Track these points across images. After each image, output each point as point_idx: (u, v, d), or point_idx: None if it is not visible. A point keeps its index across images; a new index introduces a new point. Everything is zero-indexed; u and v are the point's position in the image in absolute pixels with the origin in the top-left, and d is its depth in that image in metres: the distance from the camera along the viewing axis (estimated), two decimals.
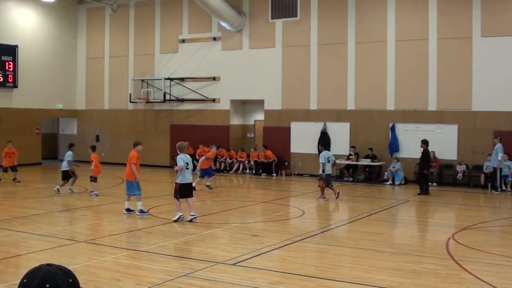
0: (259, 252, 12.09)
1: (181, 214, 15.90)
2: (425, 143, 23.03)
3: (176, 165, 16.03)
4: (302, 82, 29.38)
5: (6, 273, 10.84)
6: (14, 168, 25.67)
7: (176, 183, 16.10)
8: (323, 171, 20.62)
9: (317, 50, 29.06)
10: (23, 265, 11.28)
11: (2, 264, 11.41)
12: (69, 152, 22.25)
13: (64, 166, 22.07)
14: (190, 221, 15.83)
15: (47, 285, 2.02)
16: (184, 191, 15.96)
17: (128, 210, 17.21)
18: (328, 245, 13.19)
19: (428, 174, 23.37)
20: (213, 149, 24.94)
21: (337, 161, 27.86)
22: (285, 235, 14.24)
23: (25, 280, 2.08)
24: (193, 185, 20.14)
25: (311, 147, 28.90)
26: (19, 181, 25.37)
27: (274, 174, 29.74)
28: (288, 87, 29.83)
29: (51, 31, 35.66)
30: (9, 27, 33.11)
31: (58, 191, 21.66)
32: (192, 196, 16.49)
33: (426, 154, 23.01)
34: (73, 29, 37.08)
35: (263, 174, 29.87)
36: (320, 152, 21.59)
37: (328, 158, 20.79)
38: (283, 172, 29.87)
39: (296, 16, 29.72)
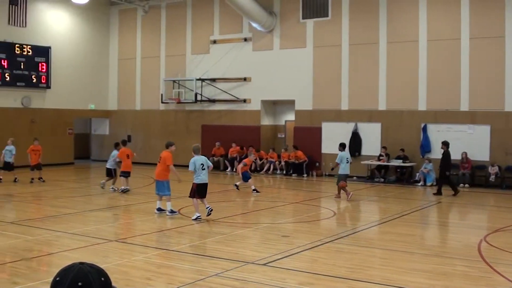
0: (289, 253, 12.09)
1: (198, 214, 16.18)
2: (445, 144, 22.95)
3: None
4: (333, 82, 29.29)
5: (39, 271, 10.98)
6: (38, 167, 25.71)
7: (193, 183, 16.39)
8: (332, 169, 21.35)
9: (348, 50, 28.94)
10: (55, 264, 11.42)
11: (35, 262, 11.57)
12: (115, 151, 22.59)
13: (110, 164, 22.59)
14: (208, 215, 16.26)
15: (80, 283, 2.05)
16: (200, 191, 16.32)
17: (160, 209, 17.36)
18: (359, 246, 13.13)
19: (450, 176, 23.17)
20: (251, 156, 24.91)
21: (368, 162, 27.79)
22: (315, 236, 14.22)
23: (58, 278, 2.11)
24: (238, 184, 22.75)
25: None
26: (44, 181, 25.49)
27: (305, 175, 29.68)
28: (319, 88, 29.75)
29: (84, 33, 36.01)
30: (42, 29, 33.51)
31: (103, 186, 22.64)
32: (205, 196, 16.66)
33: (447, 155, 22.85)
34: (105, 30, 37.41)
35: (293, 175, 29.82)
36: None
37: (347, 158, 21.13)
38: (314, 173, 29.79)
39: (327, 16, 29.63)
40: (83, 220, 16.41)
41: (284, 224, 16.28)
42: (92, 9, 35.81)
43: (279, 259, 11.53)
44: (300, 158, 29.85)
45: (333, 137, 29.04)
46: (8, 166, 25.39)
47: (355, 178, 27.92)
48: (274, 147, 31.51)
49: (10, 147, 25.41)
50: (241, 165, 23.83)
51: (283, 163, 30.47)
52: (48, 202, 20.48)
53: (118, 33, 37.36)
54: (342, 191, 21.21)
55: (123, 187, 22.05)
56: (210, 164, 16.75)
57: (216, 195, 22.46)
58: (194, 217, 16.19)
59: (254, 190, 22.88)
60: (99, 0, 35.45)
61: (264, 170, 30.80)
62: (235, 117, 32.56)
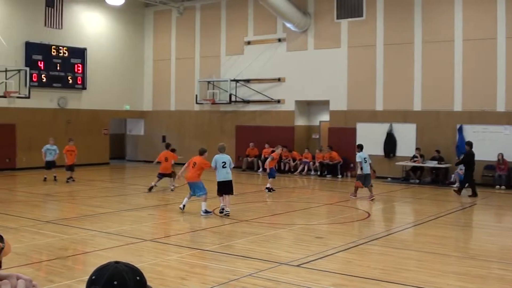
0: (323, 254, 12.06)
1: (223, 205, 17.14)
2: (469, 144, 22.87)
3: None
4: (367, 82, 29.12)
5: (74, 269, 11.12)
6: (70, 168, 25.91)
7: (217, 182, 17.19)
8: (361, 169, 21.23)
9: (383, 50, 28.75)
10: (90, 262, 11.55)
11: (70, 261, 11.70)
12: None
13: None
14: (221, 213, 17.00)
15: (115, 282, 2.07)
16: (221, 188, 17.06)
17: (206, 212, 17.27)
18: (393, 248, 13.04)
19: (471, 176, 22.99)
20: (278, 150, 24.91)
21: (403, 163, 27.57)
22: (349, 237, 14.16)
23: (93, 277, 2.13)
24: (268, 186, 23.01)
25: (377, 148, 28.57)
26: (73, 180, 25.69)
27: (339, 176, 29.54)
28: (354, 88, 29.60)
29: (119, 34, 36.35)
30: (78, 31, 33.89)
31: (173, 188, 22.94)
32: (231, 193, 17.40)
33: (470, 156, 22.71)
34: (140, 31, 37.70)
35: (328, 176, 29.72)
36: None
37: (364, 158, 21.30)
38: (349, 174, 29.64)
39: (361, 16, 29.47)
40: (118, 220, 16.57)
41: (318, 225, 16.24)
42: (127, 10, 36.11)
43: (312, 260, 11.51)
44: (334, 159, 29.73)
45: (368, 138, 28.85)
46: (49, 165, 25.77)
47: (389, 179, 27.76)
48: (308, 147, 31.41)
49: (53, 147, 25.92)
50: (269, 159, 23.83)
51: (317, 164, 30.38)
52: (83, 202, 20.70)
53: (153, 34, 37.62)
54: (360, 190, 21.65)
55: (153, 183, 22.64)
56: (233, 164, 17.60)
57: (250, 196, 22.52)
58: (220, 210, 17.11)
59: (268, 188, 23.21)
60: (134, 2, 35.73)
61: (298, 171, 30.74)
62: (269, 118, 32.56)
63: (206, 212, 17.13)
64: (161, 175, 22.72)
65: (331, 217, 17.85)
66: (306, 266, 11.02)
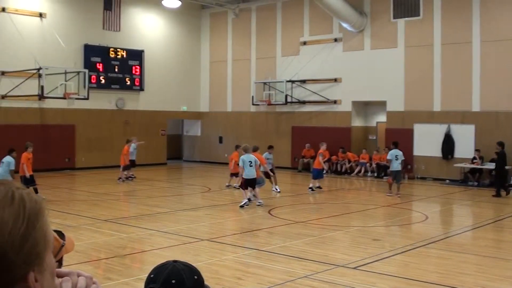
0: (380, 257, 11.93)
1: (246, 200, 18.87)
2: (500, 144, 22.76)
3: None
4: (425, 82, 28.70)
5: (132, 268, 11.27)
6: (125, 167, 26.53)
7: (242, 178, 19.11)
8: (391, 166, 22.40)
9: (441, 49, 28.29)
10: (148, 261, 11.70)
11: (128, 259, 11.88)
12: (265, 154, 22.40)
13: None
14: (259, 205, 18.76)
15: (173, 281, 2.08)
16: (247, 183, 18.95)
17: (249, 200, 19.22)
18: (451, 251, 12.81)
19: (505, 176, 22.99)
20: (323, 146, 24.74)
21: (461, 165, 27.07)
22: (407, 240, 13.99)
23: (152, 275, 2.15)
24: (319, 185, 23.89)
25: (435, 150, 28.16)
26: (123, 181, 26.18)
27: None
28: (411, 88, 29.21)
29: (176, 36, 36.71)
30: (136, 33, 34.39)
31: (277, 190, 22.75)
32: (255, 187, 19.14)
33: (502, 155, 22.68)
34: (197, 33, 38.01)
35: (385, 177, 29.36)
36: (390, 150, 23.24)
37: (396, 156, 22.12)
38: (406, 176, 29.27)
39: (418, 15, 29.07)
40: (175, 219, 16.74)
41: (375, 227, 16.09)
42: (183, 13, 36.44)
43: (369, 263, 11.40)
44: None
45: (426, 139, 28.49)
46: (133, 164, 26.91)
47: (447, 181, 27.31)
48: (365, 148, 31.13)
49: (135, 145, 27.05)
50: (320, 158, 23.87)
51: (374, 165, 30.11)
52: (141, 201, 20.97)
53: (209, 36, 37.88)
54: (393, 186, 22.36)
55: (228, 184, 23.89)
56: (258, 162, 19.32)
57: (305, 197, 22.46)
58: (242, 203, 18.76)
59: (311, 187, 23.55)
60: (190, 4, 36.04)
61: (355, 172, 30.50)
62: (326, 119, 32.41)
63: (260, 203, 18.98)
64: (234, 174, 23.00)
65: (388, 219, 17.66)
66: (362, 268, 10.93)
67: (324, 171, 24.65)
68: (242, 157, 19.02)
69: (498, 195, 22.26)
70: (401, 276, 10.58)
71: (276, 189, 22.46)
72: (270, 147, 23.19)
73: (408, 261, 11.83)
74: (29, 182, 18.44)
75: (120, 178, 26.23)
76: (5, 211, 1.37)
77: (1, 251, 1.33)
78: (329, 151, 28.71)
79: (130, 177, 26.57)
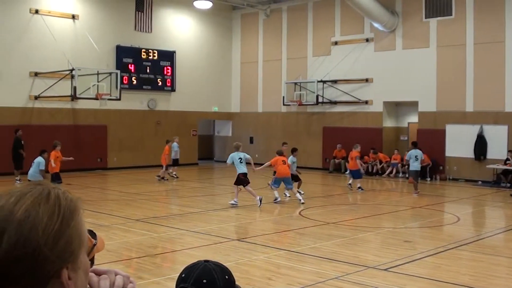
0: (411, 259, 11.85)
1: (236, 200, 19.22)
2: None
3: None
4: (457, 83, 28.42)
5: (162, 267, 11.35)
6: (166, 167, 27.15)
7: (238, 173, 19.32)
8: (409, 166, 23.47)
9: (473, 49, 27.99)
10: (178, 260, 11.76)
11: (159, 258, 11.96)
12: (290, 157, 22.31)
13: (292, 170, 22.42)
14: (260, 202, 18.94)
15: (204, 281, 2.09)
16: (240, 179, 19.26)
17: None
18: (484, 253, 12.67)
19: None
20: (358, 148, 24.69)
21: (494, 166, 26.76)
22: (438, 241, 13.87)
23: (183, 275, 2.16)
24: (349, 182, 24.57)
25: (467, 151, 27.88)
26: (162, 178, 26.71)
27: (428, 179, 28.93)
28: (443, 88, 28.94)
29: (207, 37, 36.85)
30: (167, 34, 34.59)
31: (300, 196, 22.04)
32: (248, 183, 19.43)
33: None
34: (228, 34, 38.11)
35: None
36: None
37: (416, 156, 22.66)
38: (438, 177, 29.04)
39: (451, 14, 28.80)
40: (206, 219, 16.80)
41: (406, 229, 15.98)
42: (215, 13, 36.56)
43: (400, 264, 11.33)
44: (423, 161, 29.07)
45: (458, 139, 28.21)
46: (175, 162, 27.66)
47: (480, 182, 27.02)
48: (397, 149, 30.90)
49: (177, 144, 27.70)
50: (357, 161, 24.07)
51: (406, 166, 29.87)
52: (172, 201, 21.10)
53: (240, 37, 37.96)
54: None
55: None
56: (248, 156, 19.95)
57: (337, 198, 22.40)
58: (231, 202, 19.19)
59: (359, 188, 23.88)
60: (221, 5, 36.14)
61: (387, 173, 30.31)
62: (357, 119, 32.27)
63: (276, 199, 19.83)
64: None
65: (420, 221, 17.52)
66: (393, 270, 10.87)
67: (362, 172, 24.67)
68: (231, 155, 19.58)
69: None
70: (432, 278, 10.50)
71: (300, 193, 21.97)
72: (294, 150, 22.50)
73: (439, 263, 11.72)
74: (55, 179, 18.89)
75: (162, 177, 26.70)
76: (41, 207, 1.41)
77: (35, 245, 1.36)
78: (360, 151, 28.57)
79: (164, 177, 26.94)
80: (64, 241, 1.41)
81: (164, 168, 26.79)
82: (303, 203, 19.51)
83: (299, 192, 20.74)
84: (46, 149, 19.58)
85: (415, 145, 23.46)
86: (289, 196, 21.21)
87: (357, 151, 24.31)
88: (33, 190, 1.45)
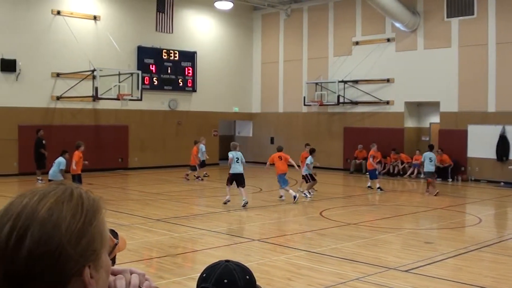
0: (432, 260, 11.78)
1: (228, 196, 19.21)
2: None
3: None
4: (479, 83, 28.19)
5: (183, 267, 11.38)
6: (192, 167, 27.56)
7: (229, 173, 19.42)
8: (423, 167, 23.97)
9: (495, 49, 27.76)
10: (199, 260, 11.79)
11: (180, 258, 12.00)
12: (309, 158, 22.31)
13: (305, 170, 22.29)
14: (243, 206, 18.61)
15: (225, 281, 2.09)
16: (231, 179, 19.25)
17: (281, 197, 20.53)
18: (506, 255, 12.56)
19: None
20: (374, 148, 24.66)
21: None
22: (460, 243, 13.78)
23: (204, 275, 2.16)
24: (369, 185, 24.67)
25: (489, 151, 27.65)
26: (188, 179, 27.03)
27: (450, 179, 28.75)
28: (465, 89, 28.73)
29: (228, 37, 36.90)
30: (188, 35, 34.69)
31: (309, 194, 21.85)
32: (243, 185, 19.14)
33: None
34: (249, 34, 38.13)
35: (438, 179, 28.89)
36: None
37: (430, 158, 23.20)
38: (459, 178, 28.83)
39: (472, 14, 28.58)
40: (227, 219, 16.83)
41: (427, 230, 15.89)
42: (235, 14, 36.61)
43: (421, 266, 11.26)
44: (445, 162, 28.91)
45: (480, 140, 27.99)
46: (203, 164, 28.07)
47: (502, 183, 26.80)
48: (419, 149, 30.69)
49: (204, 146, 28.11)
50: (370, 159, 24.32)
51: (422, 166, 29.66)
52: (193, 201, 21.15)
53: (261, 37, 37.96)
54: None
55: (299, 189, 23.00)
56: (243, 160, 19.92)
57: (358, 198, 22.33)
58: (225, 200, 19.21)
59: (379, 188, 23.96)
60: (242, 5, 36.18)
61: (408, 173, 30.15)
62: (378, 119, 32.13)
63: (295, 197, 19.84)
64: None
65: (441, 222, 17.41)
66: (414, 271, 10.81)
67: (377, 172, 24.81)
68: (230, 153, 19.66)
69: None
70: (453, 280, 10.43)
71: (306, 195, 21.48)
72: (313, 151, 22.38)
73: (461, 264, 11.65)
74: (76, 180, 18.96)
75: (198, 176, 27.39)
76: (64, 206, 1.42)
77: (58, 243, 1.37)
78: (381, 152, 28.51)
79: (199, 177, 27.48)
80: (87, 240, 1.42)
81: (198, 168, 27.40)
82: (296, 201, 19.72)
83: (309, 192, 21.54)
84: (67, 150, 19.71)
85: (431, 148, 24.30)
86: (282, 197, 21.03)
87: (372, 150, 24.38)
88: (56, 189, 1.46)
